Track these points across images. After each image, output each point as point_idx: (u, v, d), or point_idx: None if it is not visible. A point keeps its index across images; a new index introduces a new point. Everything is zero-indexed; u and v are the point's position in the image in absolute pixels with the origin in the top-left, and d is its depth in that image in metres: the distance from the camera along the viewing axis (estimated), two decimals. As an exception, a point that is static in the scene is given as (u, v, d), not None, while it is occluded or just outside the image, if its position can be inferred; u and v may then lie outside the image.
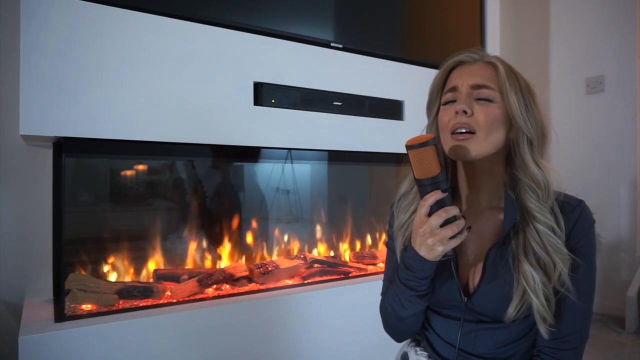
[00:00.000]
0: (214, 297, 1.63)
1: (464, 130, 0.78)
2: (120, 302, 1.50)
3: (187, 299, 1.59)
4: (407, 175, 0.87)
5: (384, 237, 2.42)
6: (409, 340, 0.94)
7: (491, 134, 0.78)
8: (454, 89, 0.81)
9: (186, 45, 1.58)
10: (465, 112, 0.77)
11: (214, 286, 1.71)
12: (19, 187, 1.71)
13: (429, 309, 0.87)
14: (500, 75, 0.79)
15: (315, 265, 2.00)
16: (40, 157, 1.72)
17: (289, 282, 1.86)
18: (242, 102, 1.70)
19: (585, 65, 3.04)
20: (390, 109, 2.10)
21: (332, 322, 1.74)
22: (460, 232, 0.73)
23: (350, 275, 1.99)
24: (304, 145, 1.85)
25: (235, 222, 2.03)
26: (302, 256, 2.02)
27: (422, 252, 0.75)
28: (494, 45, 2.52)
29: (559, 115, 3.11)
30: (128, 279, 1.72)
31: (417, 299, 0.80)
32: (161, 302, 1.54)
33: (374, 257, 2.22)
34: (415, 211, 0.82)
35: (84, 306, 1.44)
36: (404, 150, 0.75)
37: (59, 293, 1.46)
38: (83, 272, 1.64)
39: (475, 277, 0.81)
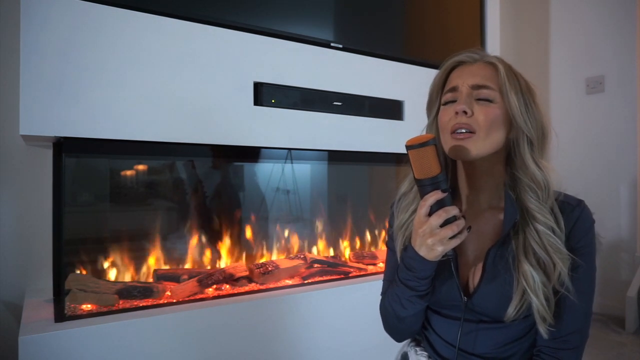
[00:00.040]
0: (214, 297, 1.63)
1: (464, 130, 0.78)
2: (120, 302, 1.50)
3: (187, 299, 1.59)
4: (407, 175, 0.87)
5: (383, 235, 2.42)
6: (409, 340, 0.94)
7: (491, 134, 0.78)
8: (454, 89, 0.81)
9: (186, 45, 1.58)
10: (465, 112, 0.77)
11: (214, 286, 1.71)
12: (19, 187, 1.71)
13: (429, 309, 0.87)
14: (500, 76, 0.79)
15: (315, 265, 2.00)
16: (40, 157, 1.72)
17: (289, 282, 1.86)
18: (242, 102, 1.70)
19: (585, 65, 3.04)
20: (390, 109, 2.10)
21: (332, 322, 1.74)
22: (460, 232, 0.74)
23: (350, 275, 1.99)
24: (304, 145, 1.85)
25: (235, 222, 2.03)
26: (302, 256, 2.02)
27: (422, 252, 0.75)
28: (494, 45, 2.52)
29: (559, 115, 3.11)
30: (128, 278, 1.72)
31: (417, 299, 0.80)
32: (161, 302, 1.54)
33: (374, 257, 2.22)
34: (415, 211, 0.82)
35: (84, 306, 1.44)
36: (404, 150, 0.75)
37: (59, 293, 1.46)
38: (83, 272, 1.64)
39: (475, 277, 0.81)
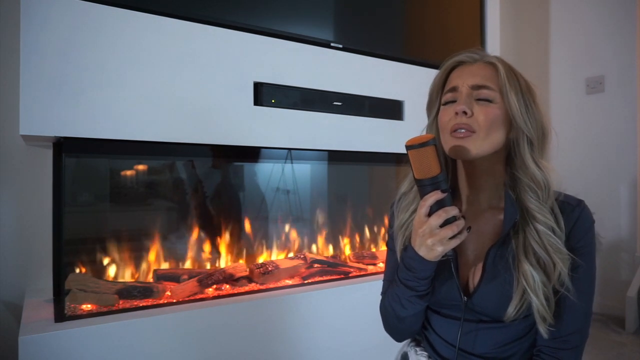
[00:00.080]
0: (214, 297, 1.63)
1: (464, 130, 0.78)
2: (120, 302, 1.50)
3: (187, 299, 1.59)
4: (407, 175, 0.87)
5: (383, 234, 2.42)
6: (409, 340, 0.94)
7: (491, 134, 0.78)
8: (454, 89, 0.81)
9: (186, 45, 1.58)
10: (465, 112, 0.77)
11: (214, 286, 1.71)
12: (19, 187, 1.71)
13: (429, 309, 0.87)
14: (500, 76, 0.79)
15: (315, 265, 2.00)
16: (40, 157, 1.72)
17: (289, 282, 1.86)
18: (242, 102, 1.70)
19: (585, 65, 3.04)
20: (390, 109, 2.10)
21: (332, 322, 1.74)
22: (460, 233, 0.74)
23: (350, 275, 1.99)
24: (304, 145, 1.85)
25: (235, 222, 2.03)
26: (302, 256, 2.02)
27: (422, 252, 0.75)
28: (494, 45, 2.52)
29: (559, 115, 3.11)
30: (128, 278, 1.72)
31: (417, 299, 0.80)
32: (161, 302, 1.55)
33: (374, 257, 2.22)
34: (415, 211, 0.82)
35: (84, 306, 1.44)
36: (404, 150, 0.75)
37: (59, 293, 1.46)
38: (83, 272, 1.64)
39: (475, 277, 0.81)
